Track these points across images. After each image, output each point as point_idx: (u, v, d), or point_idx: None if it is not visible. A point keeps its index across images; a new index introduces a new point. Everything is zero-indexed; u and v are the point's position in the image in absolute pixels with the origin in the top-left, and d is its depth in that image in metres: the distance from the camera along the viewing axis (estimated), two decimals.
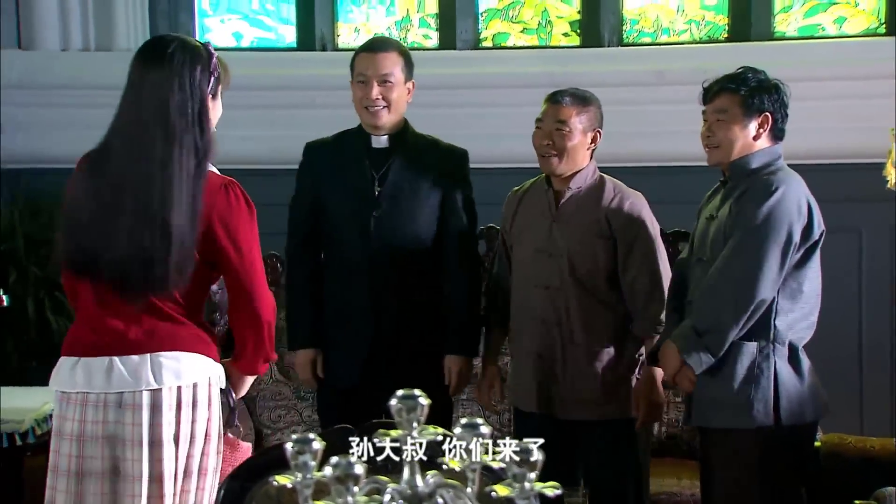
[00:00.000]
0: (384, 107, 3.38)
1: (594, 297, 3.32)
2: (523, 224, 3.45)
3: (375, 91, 3.36)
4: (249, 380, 2.83)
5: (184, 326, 2.62)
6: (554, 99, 3.35)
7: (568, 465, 3.24)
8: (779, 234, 3.00)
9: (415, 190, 3.43)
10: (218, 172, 2.67)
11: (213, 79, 2.61)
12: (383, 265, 3.39)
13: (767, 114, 3.11)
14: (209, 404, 2.63)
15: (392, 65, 3.38)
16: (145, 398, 2.55)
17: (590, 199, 3.35)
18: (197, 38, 2.70)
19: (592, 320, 3.32)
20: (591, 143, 3.35)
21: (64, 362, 2.64)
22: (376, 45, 3.46)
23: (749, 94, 3.11)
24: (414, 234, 3.44)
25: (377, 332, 3.41)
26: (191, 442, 2.60)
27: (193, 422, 2.60)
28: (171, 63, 2.57)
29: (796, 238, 3.02)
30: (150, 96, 2.57)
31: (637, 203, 3.36)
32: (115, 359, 2.58)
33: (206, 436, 2.63)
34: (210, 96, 2.61)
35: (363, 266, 3.40)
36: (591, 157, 3.39)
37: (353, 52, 3.51)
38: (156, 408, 2.56)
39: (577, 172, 3.35)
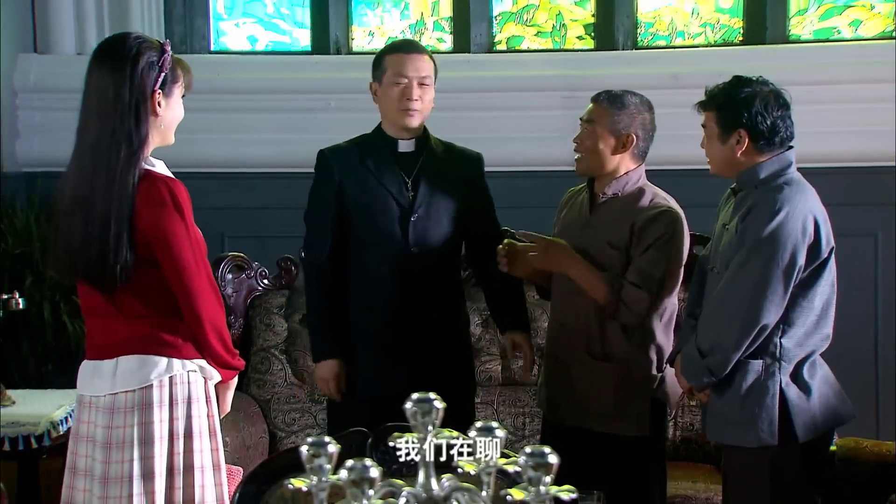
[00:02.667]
0: (419, 109, 3.36)
1: None
2: (564, 224, 3.41)
3: (417, 92, 3.34)
4: (229, 393, 2.84)
5: (146, 328, 2.65)
6: (594, 97, 3.31)
7: (586, 477, 3.18)
8: (782, 256, 2.92)
9: (445, 194, 3.42)
10: (165, 172, 2.68)
11: (161, 74, 2.64)
12: (419, 271, 3.37)
13: (742, 130, 3.01)
14: (172, 404, 2.65)
15: (429, 67, 3.37)
16: (105, 402, 2.65)
17: (622, 209, 3.25)
18: (164, 39, 2.83)
19: (609, 331, 3.24)
20: (620, 148, 3.24)
21: (81, 366, 2.76)
22: (414, 47, 3.45)
23: (721, 109, 3.04)
24: (447, 238, 3.43)
25: (417, 337, 3.39)
26: (147, 443, 2.62)
27: (149, 423, 2.62)
28: (115, 56, 2.64)
29: (801, 260, 2.94)
30: (95, 89, 2.65)
31: (664, 220, 3.21)
32: (99, 362, 2.68)
33: (170, 435, 2.64)
34: (158, 92, 2.64)
35: (400, 271, 3.37)
36: (634, 164, 3.28)
37: (370, 54, 3.49)
38: (114, 411, 2.63)
39: (614, 177, 3.26)
